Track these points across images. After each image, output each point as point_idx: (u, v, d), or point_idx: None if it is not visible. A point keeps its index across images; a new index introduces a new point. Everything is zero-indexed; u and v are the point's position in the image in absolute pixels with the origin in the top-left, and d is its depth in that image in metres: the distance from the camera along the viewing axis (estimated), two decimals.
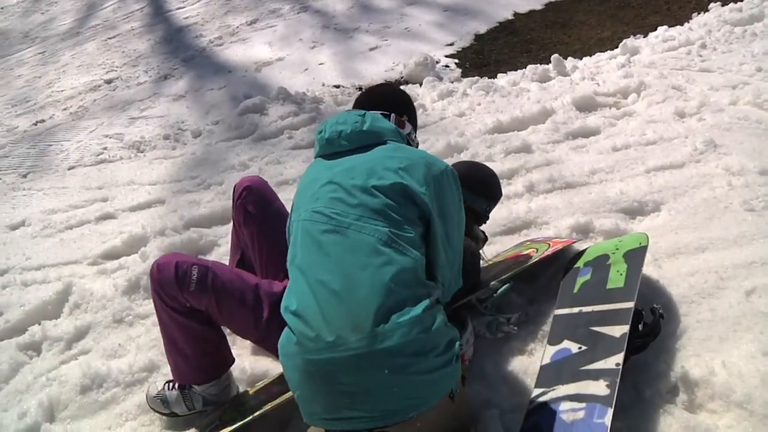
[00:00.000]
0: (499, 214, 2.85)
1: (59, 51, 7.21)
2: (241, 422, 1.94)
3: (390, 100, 2.11)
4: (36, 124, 5.51)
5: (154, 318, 2.20)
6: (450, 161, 3.27)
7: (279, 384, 2.11)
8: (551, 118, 3.63)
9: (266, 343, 2.10)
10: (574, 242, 2.57)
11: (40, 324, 2.79)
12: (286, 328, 1.62)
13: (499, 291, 2.27)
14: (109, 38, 7.20)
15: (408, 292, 1.57)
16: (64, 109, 5.69)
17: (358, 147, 1.86)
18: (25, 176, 4.62)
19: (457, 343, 1.64)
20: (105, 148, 4.67)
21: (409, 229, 1.67)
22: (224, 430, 1.94)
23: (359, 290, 1.55)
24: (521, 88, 4.24)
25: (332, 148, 1.89)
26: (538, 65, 4.62)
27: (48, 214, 3.88)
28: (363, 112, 1.93)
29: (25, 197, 4.29)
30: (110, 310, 2.76)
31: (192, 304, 1.97)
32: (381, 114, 1.99)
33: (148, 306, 2.76)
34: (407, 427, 1.56)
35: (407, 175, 1.73)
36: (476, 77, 4.66)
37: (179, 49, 6.42)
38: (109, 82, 6.03)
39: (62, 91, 6.12)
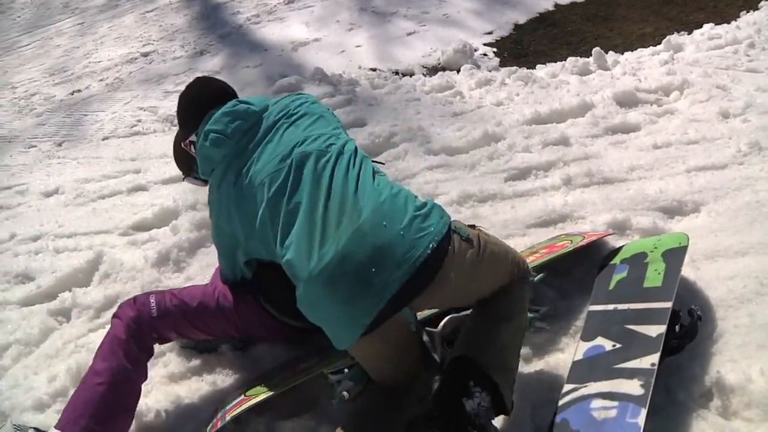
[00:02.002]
0: (535, 206, 2.82)
1: (97, 22, 7.25)
2: (265, 397, 1.94)
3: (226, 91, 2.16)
4: (72, 94, 5.55)
5: None
6: (487, 150, 3.27)
7: (305, 361, 2.11)
8: (591, 112, 3.57)
9: (248, 330, 2.17)
10: (610, 235, 2.52)
11: (70, 291, 2.82)
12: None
13: (534, 280, 2.23)
14: (147, 12, 7.21)
15: None
16: (100, 80, 5.72)
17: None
18: (60, 145, 4.66)
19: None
20: (139, 121, 4.70)
21: None
22: (248, 403, 1.93)
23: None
24: (561, 81, 4.16)
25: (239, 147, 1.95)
26: (578, 58, 4.53)
27: (81, 183, 3.91)
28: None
29: (59, 165, 4.33)
30: (139, 282, 2.77)
31: (161, 332, 2.07)
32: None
33: (177, 279, 2.78)
34: (442, 282, 1.66)
35: None
36: (515, 67, 4.59)
37: (216, 26, 6.41)
38: (145, 55, 6.05)
39: (99, 62, 6.15)
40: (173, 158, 2.31)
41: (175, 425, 2.08)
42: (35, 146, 4.72)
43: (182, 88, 2.26)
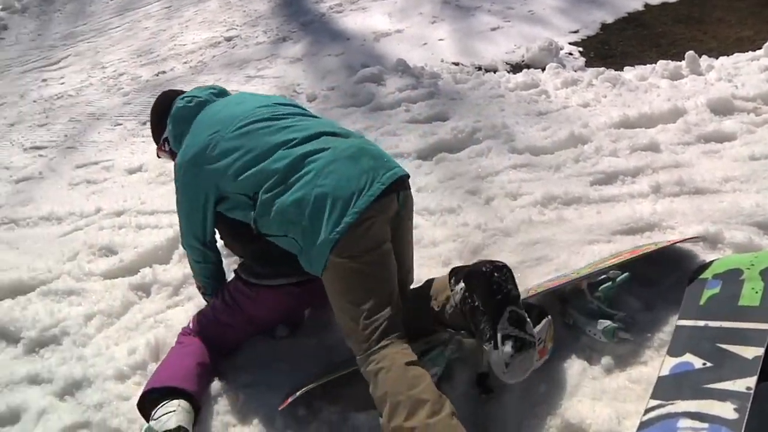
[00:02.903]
0: (621, 212, 2.71)
1: (183, 6, 7.43)
2: (334, 376, 1.97)
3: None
4: (158, 75, 5.70)
5: None
6: (573, 152, 3.18)
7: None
8: (683, 119, 3.42)
9: (256, 317, 2.26)
10: (699, 239, 2.41)
11: (151, 267, 2.90)
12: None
13: (617, 279, 2.15)
14: None
15: None
16: (185, 63, 5.86)
17: None
18: (144, 124, 4.80)
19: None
20: None
21: None
22: (318, 381, 1.96)
23: None
24: (650, 84, 4.01)
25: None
26: (669, 61, 4.36)
27: (163, 163, 4.00)
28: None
29: (143, 144, 4.45)
30: None
31: None
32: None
33: None
34: (409, 204, 2.12)
35: None
36: (602, 68, 4.46)
37: (298, 13, 6.47)
38: (228, 39, 6.16)
39: (184, 45, 6.30)
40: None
41: (247, 410, 2.10)
42: (121, 124, 4.87)
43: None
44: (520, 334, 1.74)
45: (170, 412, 1.91)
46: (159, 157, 2.63)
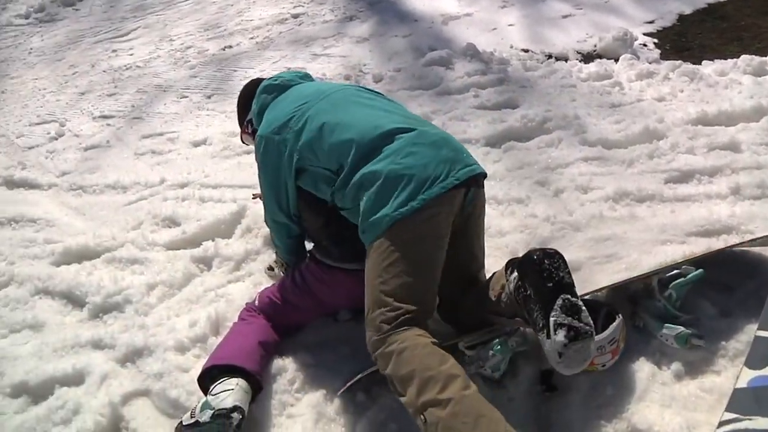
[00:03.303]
0: (697, 213, 2.60)
1: None
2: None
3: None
4: (224, 49, 5.73)
5: None
6: (647, 147, 3.06)
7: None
8: (766, 118, 3.25)
9: (322, 301, 2.27)
10: None
11: (213, 241, 2.91)
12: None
13: (689, 276, 2.06)
14: None
15: None
16: (251, 38, 5.86)
17: None
18: (209, 97, 4.83)
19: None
20: None
21: None
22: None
23: None
24: (731, 80, 3.83)
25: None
26: (753, 56, 4.15)
27: (228, 137, 4.03)
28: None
29: (208, 117, 4.48)
30: None
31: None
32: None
33: None
34: (481, 199, 2.10)
35: None
36: (679, 61, 4.28)
37: None
38: (295, 16, 6.13)
39: (251, 20, 6.30)
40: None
41: (306, 391, 2.09)
42: (187, 97, 4.91)
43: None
44: (573, 322, 1.67)
45: (228, 390, 1.91)
46: (243, 142, 2.72)
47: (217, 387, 1.94)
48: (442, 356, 1.73)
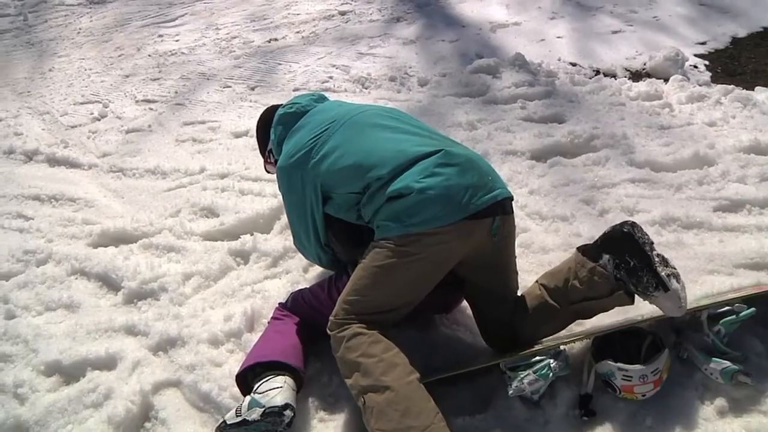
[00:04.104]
0: (746, 245, 2.53)
1: None
2: (432, 378, 1.91)
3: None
4: (269, 42, 5.74)
5: None
6: (696, 173, 2.99)
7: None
8: None
9: None
10: None
11: (251, 235, 2.90)
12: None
13: (741, 314, 2.00)
14: None
15: None
16: (297, 32, 5.87)
17: None
18: (252, 89, 4.84)
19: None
20: (331, 77, 4.76)
21: None
22: None
23: None
24: None
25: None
26: None
27: None
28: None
29: (250, 108, 4.49)
30: None
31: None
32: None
33: None
34: (510, 224, 2.07)
35: None
36: (730, 85, 4.18)
37: None
38: (342, 13, 6.13)
39: (297, 14, 6.31)
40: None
41: (339, 396, 2.07)
42: (230, 87, 4.92)
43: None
44: (675, 270, 1.93)
45: (276, 387, 1.88)
46: (267, 171, 2.62)
47: (264, 385, 1.91)
48: (387, 345, 1.84)
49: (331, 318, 1.93)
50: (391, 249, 1.89)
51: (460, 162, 1.98)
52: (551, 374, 1.91)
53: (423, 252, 1.89)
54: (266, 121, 2.49)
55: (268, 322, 2.27)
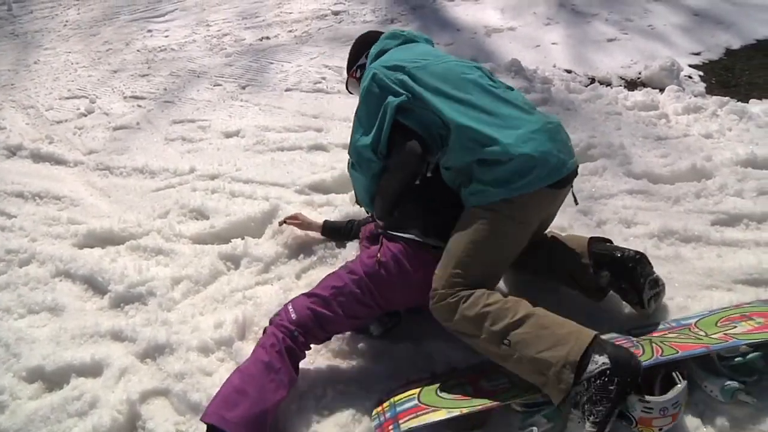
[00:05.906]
0: (745, 260, 2.50)
1: None
2: (447, 417, 1.82)
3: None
4: (261, 40, 5.67)
5: None
6: (694, 186, 2.96)
7: (489, 378, 1.97)
8: None
9: (384, 292, 2.08)
10: None
11: (243, 239, 2.83)
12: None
13: (747, 357, 1.97)
14: None
15: None
16: (289, 31, 5.81)
17: None
18: (243, 88, 4.77)
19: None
20: (323, 78, 4.70)
21: None
22: (426, 420, 1.82)
23: None
24: None
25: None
26: None
27: (262, 131, 3.96)
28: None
29: (241, 108, 4.42)
30: (311, 242, 2.74)
31: (309, 335, 2.04)
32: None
33: (349, 251, 2.70)
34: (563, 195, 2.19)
35: None
36: (725, 97, 4.17)
37: None
38: (336, 13, 6.07)
39: (290, 13, 6.25)
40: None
41: (335, 407, 2.00)
42: (220, 85, 4.85)
43: None
44: (659, 291, 2.22)
45: None
46: (348, 89, 2.75)
47: None
48: (499, 294, 1.93)
49: (437, 291, 1.95)
50: (494, 216, 1.97)
51: (550, 128, 2.07)
52: (560, 418, 1.85)
53: (523, 216, 2.01)
54: (367, 41, 2.60)
55: (263, 348, 1.98)
